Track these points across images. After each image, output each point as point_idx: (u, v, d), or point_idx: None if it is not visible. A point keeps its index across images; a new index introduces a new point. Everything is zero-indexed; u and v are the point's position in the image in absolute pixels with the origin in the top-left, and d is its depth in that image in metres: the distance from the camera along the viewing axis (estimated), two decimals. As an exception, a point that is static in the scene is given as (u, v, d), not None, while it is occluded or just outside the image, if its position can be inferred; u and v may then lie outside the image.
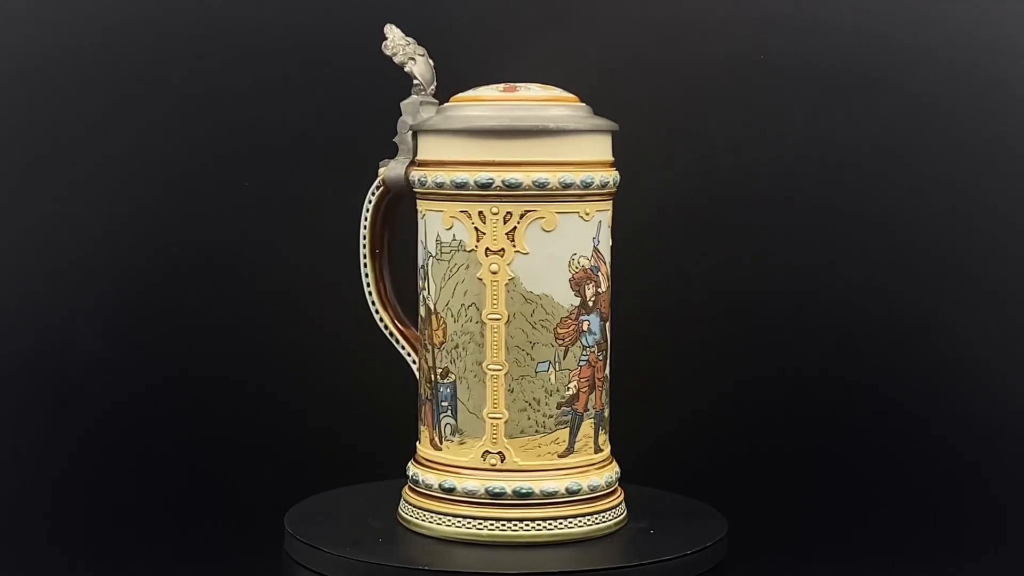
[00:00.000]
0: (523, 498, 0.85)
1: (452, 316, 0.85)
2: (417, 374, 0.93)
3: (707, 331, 1.08)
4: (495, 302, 0.84)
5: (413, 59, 0.92)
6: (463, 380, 0.85)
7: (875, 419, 1.08)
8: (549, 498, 0.85)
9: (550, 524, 0.85)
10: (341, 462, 1.07)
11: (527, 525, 0.85)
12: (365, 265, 0.95)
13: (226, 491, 1.08)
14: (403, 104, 0.92)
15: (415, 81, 0.92)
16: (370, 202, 0.94)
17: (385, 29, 0.93)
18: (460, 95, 0.88)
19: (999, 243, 1.06)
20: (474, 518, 0.85)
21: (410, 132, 0.92)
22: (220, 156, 1.10)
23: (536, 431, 0.85)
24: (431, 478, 0.87)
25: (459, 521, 0.86)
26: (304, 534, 0.88)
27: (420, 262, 0.88)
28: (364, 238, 0.95)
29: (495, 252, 0.84)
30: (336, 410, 1.11)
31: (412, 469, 0.89)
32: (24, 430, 1.10)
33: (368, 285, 0.95)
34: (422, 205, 0.87)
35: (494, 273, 0.84)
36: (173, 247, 1.10)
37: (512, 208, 0.84)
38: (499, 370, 0.85)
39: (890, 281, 1.07)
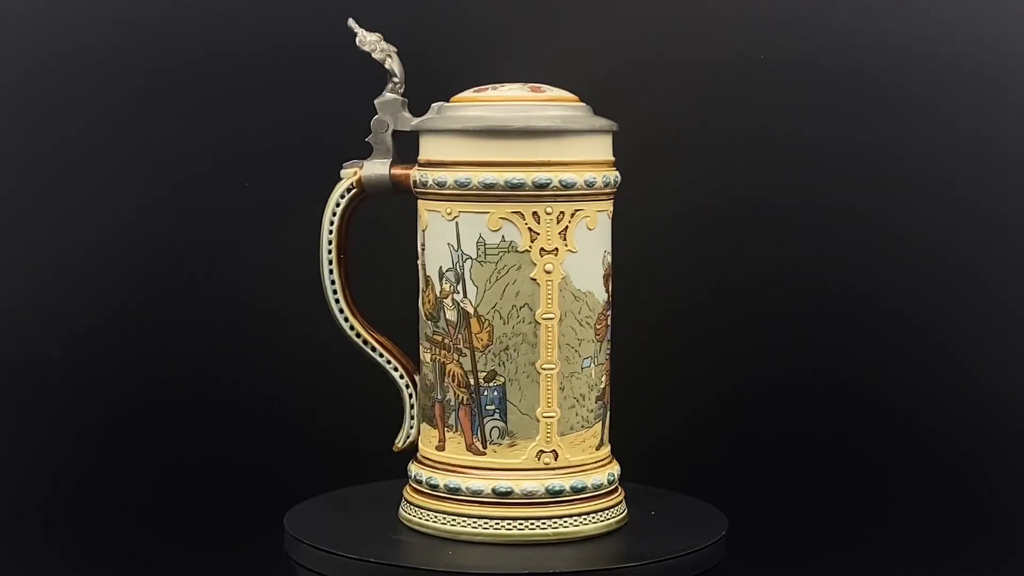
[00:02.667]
0: (578, 493, 0.86)
1: (501, 318, 0.85)
2: (400, 381, 0.91)
3: (707, 330, 1.09)
4: (549, 302, 0.85)
5: (390, 55, 0.89)
6: (514, 381, 0.85)
7: (876, 419, 1.09)
8: (597, 490, 0.87)
9: (602, 516, 0.87)
10: (341, 462, 1.05)
11: (585, 519, 0.87)
12: (331, 272, 0.91)
13: (226, 492, 1.07)
14: (379, 103, 0.90)
15: (394, 79, 0.89)
16: (338, 205, 0.90)
17: (351, 25, 0.89)
18: (476, 95, 0.87)
19: (1000, 242, 1.08)
20: (536, 519, 0.85)
21: (390, 132, 0.89)
22: (217, 157, 1.09)
23: (582, 426, 0.87)
24: (477, 484, 0.85)
25: (520, 524, 0.85)
26: (304, 534, 0.86)
27: (446, 265, 0.85)
28: (330, 243, 0.90)
29: (549, 252, 0.85)
30: (336, 410, 1.09)
31: (437, 477, 0.86)
32: (23, 430, 1.09)
33: (335, 292, 0.91)
34: (451, 207, 0.85)
35: (548, 273, 0.85)
36: (172, 248, 1.09)
37: (565, 208, 0.85)
38: (552, 369, 0.85)
39: (892, 280, 1.08)
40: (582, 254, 0.85)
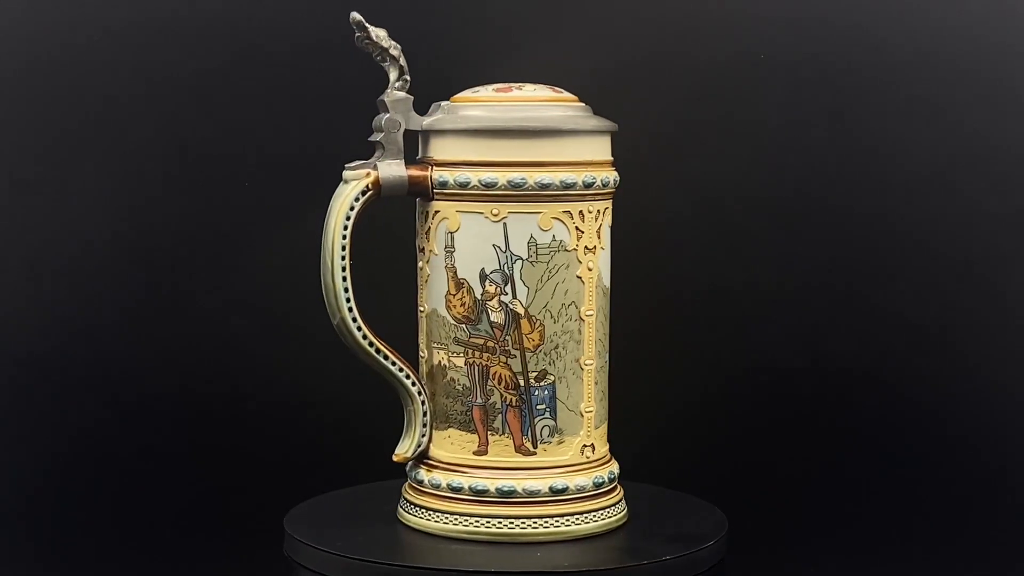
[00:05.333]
0: (612, 483, 0.89)
1: (552, 317, 0.86)
2: (413, 388, 0.88)
3: (705, 328, 1.07)
4: (591, 298, 0.87)
5: (401, 53, 0.87)
6: (563, 379, 0.86)
7: (875, 415, 1.08)
8: (617, 478, 0.91)
9: (621, 505, 0.90)
10: (341, 463, 1.05)
11: (617, 508, 0.89)
12: (345, 279, 0.86)
13: (226, 493, 1.07)
14: (389, 101, 0.87)
15: (405, 76, 0.87)
16: (352, 208, 0.86)
17: (358, 20, 0.85)
18: (499, 95, 0.87)
19: (999, 241, 1.07)
20: (589, 512, 0.87)
21: (402, 131, 0.87)
22: (216, 158, 1.08)
23: (605, 419, 0.90)
24: (533, 484, 0.86)
25: (577, 519, 0.87)
26: (304, 535, 0.86)
27: (490, 266, 0.85)
28: (343, 248, 0.86)
29: (591, 250, 0.87)
30: (337, 411, 1.09)
31: (484, 482, 0.85)
32: (22, 432, 1.08)
33: (348, 300, 0.86)
34: (499, 208, 0.85)
35: (590, 270, 0.87)
36: (169, 250, 1.09)
37: (600, 206, 0.87)
38: (592, 364, 0.87)
39: (889, 278, 1.07)
40: (607, 251, 0.88)
